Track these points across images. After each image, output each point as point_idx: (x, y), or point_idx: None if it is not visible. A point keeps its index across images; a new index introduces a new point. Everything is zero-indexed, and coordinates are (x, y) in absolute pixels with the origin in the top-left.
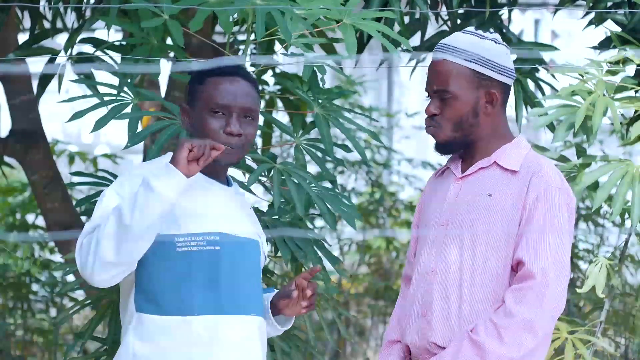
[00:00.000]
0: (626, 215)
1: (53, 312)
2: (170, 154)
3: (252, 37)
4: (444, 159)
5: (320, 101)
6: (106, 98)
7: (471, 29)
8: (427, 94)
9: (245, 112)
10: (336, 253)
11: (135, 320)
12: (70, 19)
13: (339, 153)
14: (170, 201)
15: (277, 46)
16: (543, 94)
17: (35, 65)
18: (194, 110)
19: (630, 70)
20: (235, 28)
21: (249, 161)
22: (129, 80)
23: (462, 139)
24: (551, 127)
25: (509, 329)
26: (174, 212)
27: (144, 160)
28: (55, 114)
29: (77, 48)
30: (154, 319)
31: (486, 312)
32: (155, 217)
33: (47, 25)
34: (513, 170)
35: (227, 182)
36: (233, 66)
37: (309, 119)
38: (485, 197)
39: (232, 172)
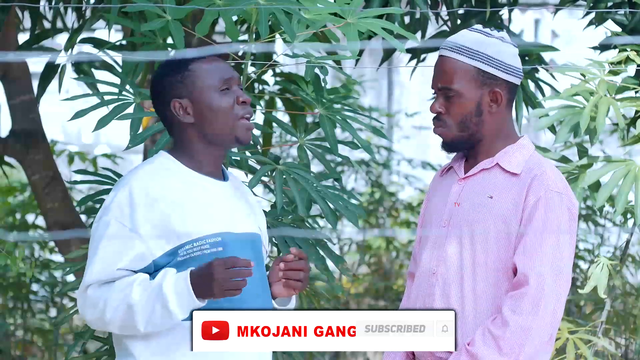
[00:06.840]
0: (628, 215)
1: (53, 312)
2: (163, 155)
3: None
4: (443, 160)
5: (324, 101)
6: (107, 97)
7: (478, 26)
8: (433, 92)
9: (238, 82)
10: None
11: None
12: (70, 19)
13: (342, 152)
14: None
15: (278, 47)
16: (543, 94)
17: (36, 65)
18: (193, 98)
19: (632, 70)
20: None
21: (251, 162)
22: (129, 79)
23: (469, 138)
24: (552, 128)
25: (506, 338)
26: (175, 227)
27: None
28: (55, 114)
29: (77, 48)
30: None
31: (488, 314)
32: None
33: (47, 25)
34: (514, 173)
35: (223, 175)
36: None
37: (309, 119)
38: (486, 199)
39: (234, 172)
